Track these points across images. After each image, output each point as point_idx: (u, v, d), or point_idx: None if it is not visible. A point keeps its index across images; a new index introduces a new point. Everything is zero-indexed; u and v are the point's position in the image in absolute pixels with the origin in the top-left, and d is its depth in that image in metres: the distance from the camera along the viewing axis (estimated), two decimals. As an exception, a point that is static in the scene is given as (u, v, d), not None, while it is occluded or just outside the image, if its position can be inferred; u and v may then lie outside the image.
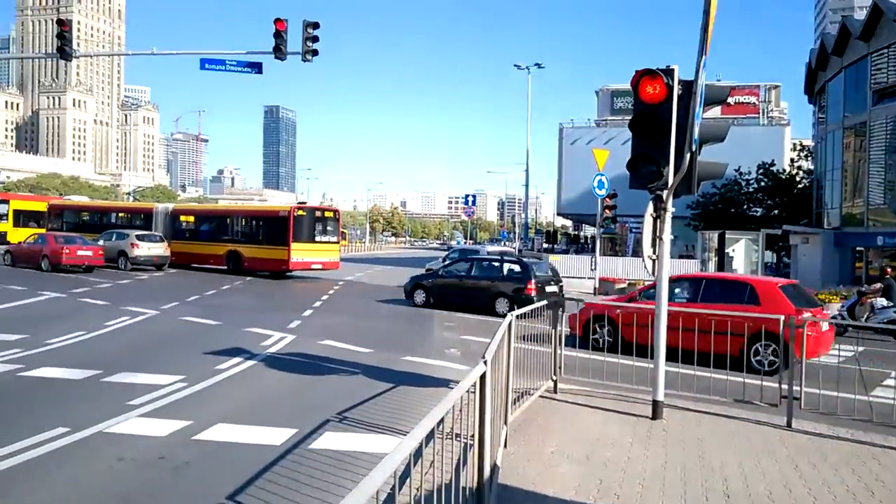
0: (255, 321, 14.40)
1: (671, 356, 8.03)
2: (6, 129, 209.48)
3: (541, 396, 8.07)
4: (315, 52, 21.87)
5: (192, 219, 33.20)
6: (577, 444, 6.35)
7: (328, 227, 30.02)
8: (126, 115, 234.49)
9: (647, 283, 17.11)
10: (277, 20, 21.48)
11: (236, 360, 10.21)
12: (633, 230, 46.57)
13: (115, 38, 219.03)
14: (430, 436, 3.16)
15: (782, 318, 7.63)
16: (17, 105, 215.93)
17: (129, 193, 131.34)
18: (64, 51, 22.10)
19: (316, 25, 21.73)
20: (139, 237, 29.62)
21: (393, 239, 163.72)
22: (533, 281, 17.63)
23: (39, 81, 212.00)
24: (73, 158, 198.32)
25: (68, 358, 9.85)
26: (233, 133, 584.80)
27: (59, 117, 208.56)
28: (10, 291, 18.38)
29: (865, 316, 15.98)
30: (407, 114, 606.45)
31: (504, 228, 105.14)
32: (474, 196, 38.53)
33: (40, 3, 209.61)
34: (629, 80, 7.01)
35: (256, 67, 23.39)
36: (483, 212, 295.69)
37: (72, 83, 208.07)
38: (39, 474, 5.40)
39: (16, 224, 41.67)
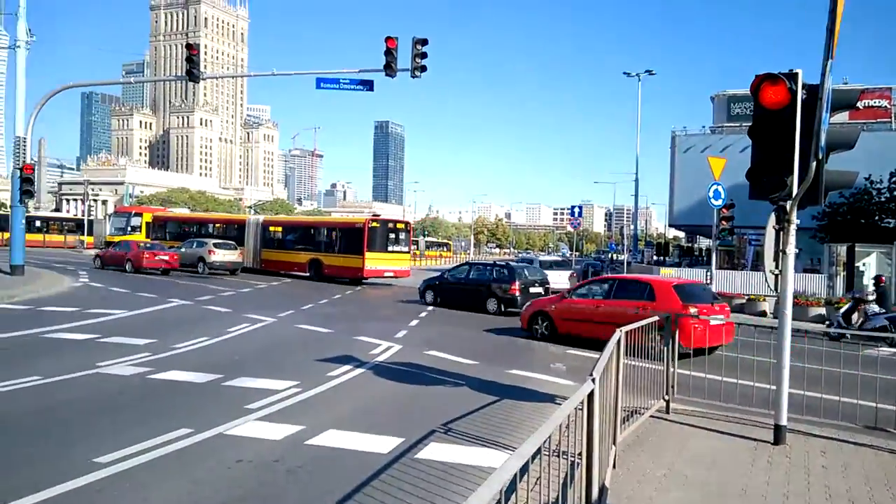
0: (363, 330, 14.81)
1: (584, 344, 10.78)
2: (140, 147, 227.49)
3: (652, 416, 7.76)
4: (424, 68, 22.35)
5: (279, 229, 35.91)
6: (691, 468, 6.05)
7: (400, 238, 32.25)
8: (248, 133, 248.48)
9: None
10: (388, 38, 22.12)
11: (346, 367, 10.51)
12: (753, 243, 44.15)
13: (238, 60, 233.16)
14: (536, 453, 3.10)
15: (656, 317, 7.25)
16: (150, 124, 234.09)
17: (250, 207, 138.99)
18: (192, 73, 23.77)
19: (424, 42, 22.22)
20: (216, 245, 32.96)
21: (497, 250, 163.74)
22: (517, 282, 20.11)
23: (170, 102, 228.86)
24: (200, 174, 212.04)
25: (193, 362, 10.49)
26: (345, 148, 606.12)
27: (187, 136, 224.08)
28: (142, 299, 19.86)
29: (860, 322, 16.77)
30: (512, 125, 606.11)
31: (612, 240, 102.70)
32: (580, 207, 37.83)
33: (171, 30, 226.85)
34: (748, 86, 6.66)
35: (368, 85, 24.23)
36: (589, 223, 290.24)
37: (199, 103, 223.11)
38: (165, 472, 5.75)
39: (148, 235, 45.32)
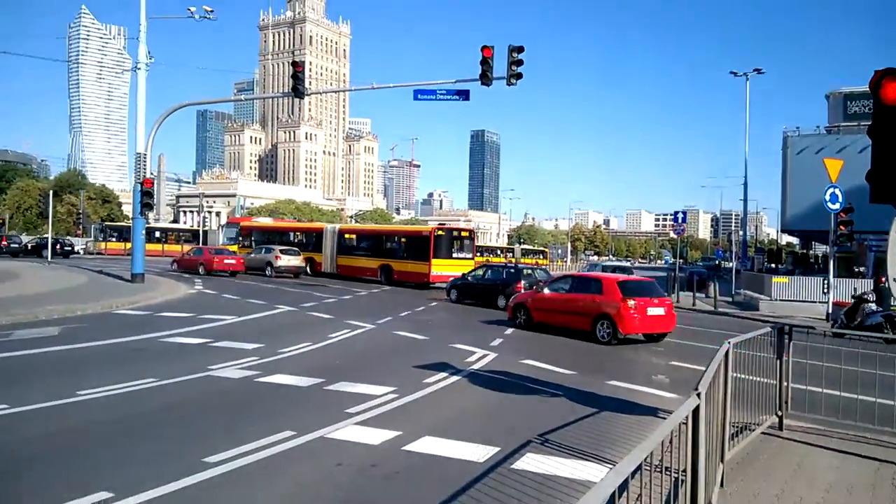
0: (459, 338, 14.86)
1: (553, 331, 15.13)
2: (251, 161, 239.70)
3: (763, 433, 7.31)
4: (519, 76, 22.26)
5: (354, 237, 38.45)
6: (807, 489, 5.65)
7: (464, 245, 34.22)
8: (350, 146, 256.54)
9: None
10: (484, 47, 22.18)
11: (442, 374, 10.57)
12: (874, 249, 40.99)
13: (340, 75, 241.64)
14: (637, 469, 2.97)
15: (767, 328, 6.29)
16: (260, 139, 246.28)
17: (351, 217, 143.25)
18: (297, 89, 24.78)
19: (520, 49, 22.13)
20: (282, 251, 36.42)
21: (595, 258, 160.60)
22: (522, 282, 22.66)
23: (278, 118, 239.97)
24: (306, 185, 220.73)
25: (297, 366, 10.86)
26: (442, 158, 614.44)
27: (294, 149, 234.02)
28: (251, 305, 20.82)
29: (859, 319, 18.05)
30: (611, 130, 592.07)
31: (718, 247, 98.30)
32: (684, 213, 36.30)
33: (278, 48, 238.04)
34: (865, 82, 6.18)
35: (464, 95, 24.37)
36: (694, 229, 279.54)
37: (304, 118, 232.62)
38: (270, 473, 5.96)
39: (240, 242, 48.38)
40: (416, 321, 18.39)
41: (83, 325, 15.00)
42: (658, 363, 13.09)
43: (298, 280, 33.92)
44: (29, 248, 50.47)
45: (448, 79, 24.67)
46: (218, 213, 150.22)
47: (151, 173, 27.67)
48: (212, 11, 28.49)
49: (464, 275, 26.82)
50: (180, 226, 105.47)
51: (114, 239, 61.14)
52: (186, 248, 48.38)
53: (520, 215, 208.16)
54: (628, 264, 55.59)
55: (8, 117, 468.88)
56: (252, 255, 37.09)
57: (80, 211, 79.98)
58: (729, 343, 6.20)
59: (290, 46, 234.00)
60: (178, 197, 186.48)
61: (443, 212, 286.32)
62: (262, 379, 9.79)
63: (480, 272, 25.95)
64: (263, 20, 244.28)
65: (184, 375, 9.80)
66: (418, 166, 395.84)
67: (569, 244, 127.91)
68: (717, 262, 73.63)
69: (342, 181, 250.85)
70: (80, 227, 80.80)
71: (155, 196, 30.29)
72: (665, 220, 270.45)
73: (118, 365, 10.65)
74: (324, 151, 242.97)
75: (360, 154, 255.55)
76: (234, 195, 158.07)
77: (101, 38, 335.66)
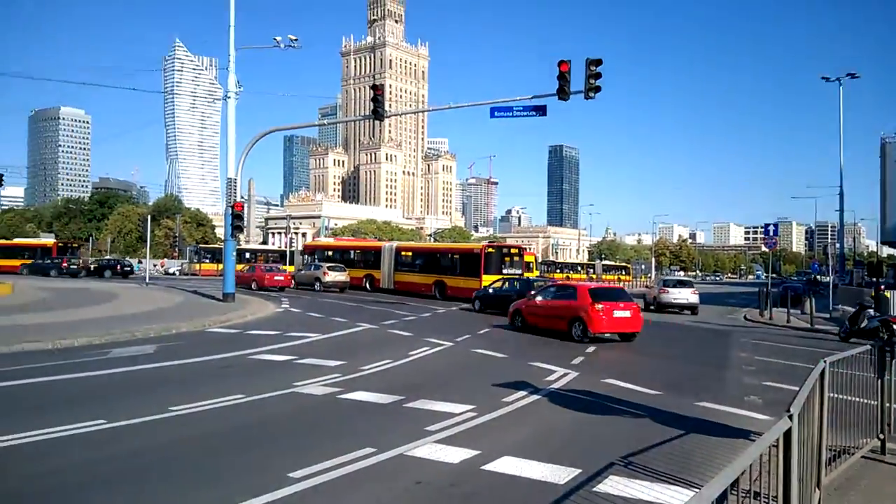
0: (538, 355, 14.69)
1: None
2: (334, 183, 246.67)
3: (864, 457, 6.85)
4: (598, 89, 21.91)
5: (410, 254, 40.16)
6: (918, 522, 5.24)
7: (514, 261, 35.33)
8: (428, 165, 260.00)
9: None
10: (561, 62, 22.02)
11: (521, 393, 10.46)
12: None
13: (419, 96, 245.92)
14: (723, 494, 2.85)
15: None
16: (343, 162, 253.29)
17: (430, 235, 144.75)
18: (377, 112, 25.36)
19: (598, 62, 21.80)
20: (329, 268, 39.56)
21: (681, 273, 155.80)
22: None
23: (360, 140, 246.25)
24: (386, 205, 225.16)
25: (378, 383, 11.01)
26: (520, 174, 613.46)
27: (375, 170, 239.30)
28: (334, 323, 21.31)
29: (862, 323, 19.60)
30: (694, 141, 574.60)
31: (814, 260, 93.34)
32: (775, 225, 34.65)
33: (359, 73, 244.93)
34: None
35: (541, 110, 24.22)
36: (787, 242, 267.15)
37: (385, 140, 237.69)
38: (351, 490, 6.05)
39: (304, 260, 50.82)
40: (493, 339, 18.32)
41: (178, 343, 15.76)
42: (751, 383, 12.51)
43: (372, 296, 35.04)
44: (91, 269, 53.75)
45: (525, 94, 24.60)
46: (304, 234, 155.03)
47: (242, 197, 28.90)
48: (296, 40, 29.64)
49: (485, 287, 29.37)
50: (268, 247, 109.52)
51: (207, 260, 64.12)
52: (240, 266, 51.30)
53: (600, 231, 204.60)
54: (691, 279, 56.79)
55: (110, 147, 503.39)
56: (302, 272, 39.83)
57: (176, 234, 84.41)
58: (825, 361, 5.87)
59: (370, 70, 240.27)
60: (266, 219, 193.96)
61: (521, 228, 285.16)
62: (344, 396, 9.98)
63: (499, 284, 28.35)
64: (345, 47, 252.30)
65: (270, 392, 10.12)
66: (496, 183, 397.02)
67: (653, 259, 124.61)
68: (812, 276, 70.08)
69: (421, 200, 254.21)
70: (176, 249, 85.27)
71: (245, 219, 31.83)
72: (755, 232, 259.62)
73: (209, 381, 11.12)
74: (403, 171, 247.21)
75: (438, 173, 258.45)
76: (318, 216, 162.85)
77: (194, 69, 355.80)
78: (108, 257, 58.97)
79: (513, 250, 37.01)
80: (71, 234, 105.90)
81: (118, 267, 54.51)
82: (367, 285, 41.11)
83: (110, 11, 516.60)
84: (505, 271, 33.72)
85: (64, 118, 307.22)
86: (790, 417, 3.73)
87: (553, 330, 18.89)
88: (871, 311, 20.21)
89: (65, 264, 51.53)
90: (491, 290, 28.10)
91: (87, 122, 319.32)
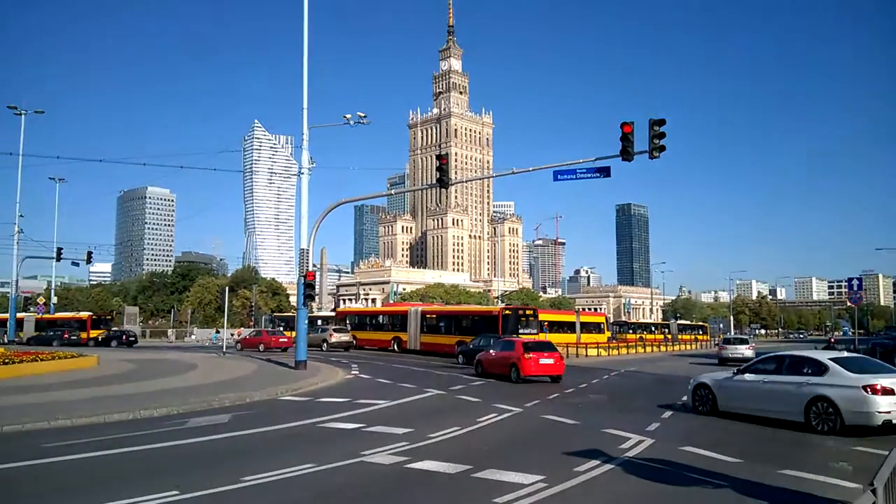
0: (611, 422, 14.22)
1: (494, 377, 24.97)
2: (402, 249, 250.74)
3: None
4: (662, 148, 21.79)
5: (434, 317, 43.38)
6: None
7: (530, 322, 38.23)
8: (494, 228, 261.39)
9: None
10: (624, 124, 22.07)
11: (594, 462, 10.12)
12: None
13: (484, 162, 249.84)
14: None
15: None
16: (411, 228, 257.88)
17: (497, 297, 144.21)
18: (442, 181, 25.99)
19: (662, 122, 21.76)
20: (335, 330, 45.15)
21: (763, 331, 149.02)
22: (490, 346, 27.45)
23: (427, 207, 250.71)
24: (453, 269, 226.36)
25: (445, 452, 10.89)
26: (587, 233, 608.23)
27: (441, 235, 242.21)
28: (403, 389, 21.33)
29: None
30: (770, 194, 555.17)
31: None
32: (859, 279, 33.06)
33: (426, 143, 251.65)
34: None
35: (605, 171, 24.10)
36: (873, 296, 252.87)
37: (451, 205, 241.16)
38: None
39: (337, 325, 52.49)
40: (567, 404, 17.87)
41: (251, 412, 16.07)
42: (839, 448, 11.73)
43: (442, 362, 35.06)
44: (99, 339, 56.75)
45: (588, 157, 24.63)
46: (374, 300, 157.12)
47: (314, 266, 29.73)
48: (365, 116, 30.82)
49: (466, 343, 33.34)
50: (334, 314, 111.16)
51: (282, 328, 65.77)
52: (245, 331, 62.80)
53: (673, 289, 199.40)
54: (746, 336, 63.74)
55: (193, 223, 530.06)
56: (311, 335, 41.06)
57: (252, 303, 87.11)
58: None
59: (437, 140, 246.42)
60: (338, 286, 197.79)
61: (590, 288, 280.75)
62: (411, 465, 9.90)
63: (477, 341, 31.84)
64: (412, 119, 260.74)
65: (338, 461, 10.15)
66: (563, 244, 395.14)
67: (731, 317, 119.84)
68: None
69: (488, 263, 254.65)
70: (252, 318, 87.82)
71: (318, 286, 32.72)
72: (839, 287, 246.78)
73: (280, 451, 11.26)
74: (470, 235, 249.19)
75: (504, 235, 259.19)
76: (387, 282, 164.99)
77: (271, 147, 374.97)
78: (115, 328, 63.63)
79: (528, 311, 40.19)
80: (155, 307, 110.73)
81: (124, 337, 57.71)
82: (395, 347, 44.21)
83: (196, 98, 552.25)
84: (521, 331, 35.67)
85: (150, 197, 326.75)
86: (874, 491, 3.51)
87: (500, 374, 24.43)
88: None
89: (66, 336, 55.58)
90: (471, 345, 32.00)
91: (172, 201, 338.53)
